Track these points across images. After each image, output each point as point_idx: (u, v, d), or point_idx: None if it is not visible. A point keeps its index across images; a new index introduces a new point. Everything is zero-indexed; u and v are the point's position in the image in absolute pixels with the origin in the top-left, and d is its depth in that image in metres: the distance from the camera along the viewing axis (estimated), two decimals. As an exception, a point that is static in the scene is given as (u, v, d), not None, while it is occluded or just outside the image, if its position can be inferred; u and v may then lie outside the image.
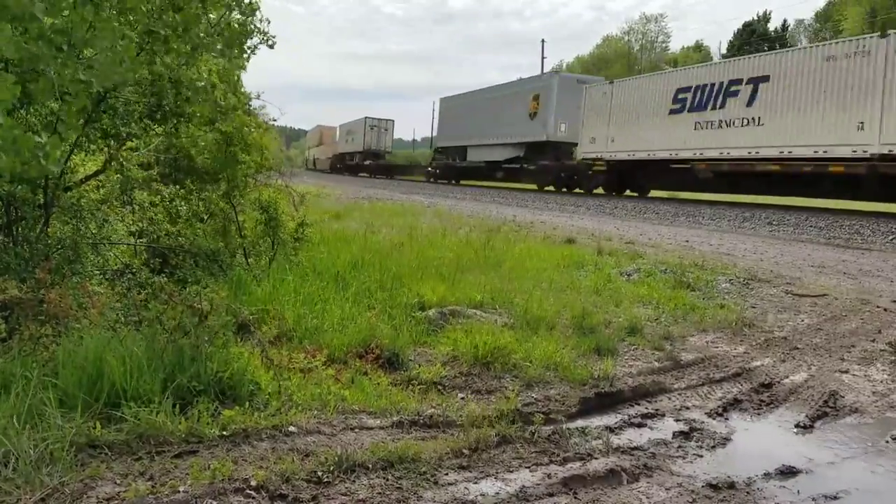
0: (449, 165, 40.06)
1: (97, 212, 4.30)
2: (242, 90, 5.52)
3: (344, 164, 59.66)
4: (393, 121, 54.95)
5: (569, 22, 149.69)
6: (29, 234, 3.71)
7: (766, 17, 65.16)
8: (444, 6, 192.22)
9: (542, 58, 54.69)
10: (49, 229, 3.80)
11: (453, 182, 39.89)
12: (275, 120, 7.88)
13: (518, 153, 31.37)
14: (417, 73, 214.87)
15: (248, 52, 4.49)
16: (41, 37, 2.56)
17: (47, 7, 2.49)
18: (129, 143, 4.26)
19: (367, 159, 52.84)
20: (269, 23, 4.46)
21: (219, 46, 3.93)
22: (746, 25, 65.28)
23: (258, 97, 5.83)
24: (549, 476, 2.44)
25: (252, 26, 4.24)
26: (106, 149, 4.27)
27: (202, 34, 3.68)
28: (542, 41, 75.45)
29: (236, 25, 4.13)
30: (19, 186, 3.58)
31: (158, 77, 3.81)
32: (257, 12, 4.23)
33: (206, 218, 5.16)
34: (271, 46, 4.54)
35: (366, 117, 52.54)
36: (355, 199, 18.63)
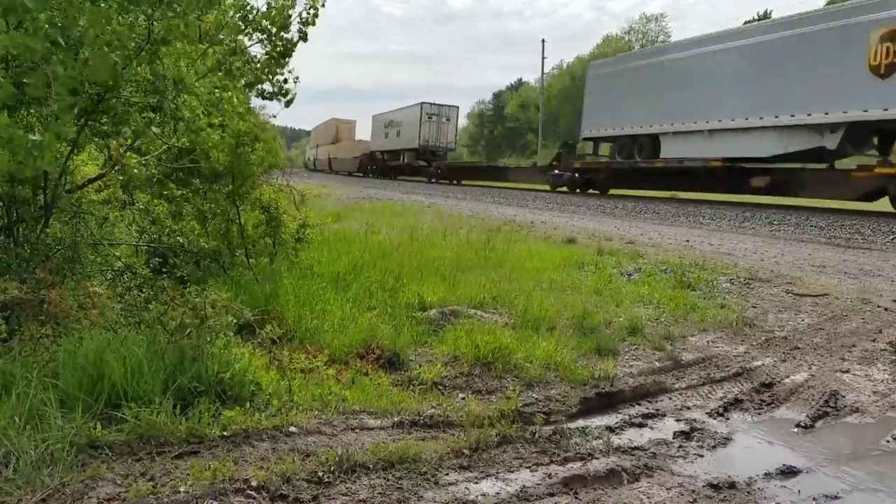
0: (612, 166, 24.54)
1: (98, 212, 4.30)
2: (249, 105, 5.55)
3: (382, 166, 46.38)
4: (457, 107, 41.50)
5: (569, 22, 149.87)
6: (29, 234, 3.71)
7: (766, 17, 65.19)
8: (444, 6, 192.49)
9: (543, 57, 54.55)
10: (49, 230, 3.80)
11: (595, 192, 25.65)
12: (274, 116, 7.86)
13: (818, 142, 16.68)
14: (417, 73, 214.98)
15: (267, 97, 4.53)
16: (36, 31, 2.56)
17: None
18: (128, 140, 4.26)
19: (422, 159, 39.91)
20: (297, 81, 4.50)
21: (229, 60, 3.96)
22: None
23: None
24: (549, 476, 2.44)
25: (270, 73, 4.28)
26: (106, 150, 4.27)
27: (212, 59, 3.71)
28: (543, 41, 75.05)
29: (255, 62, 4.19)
30: (20, 187, 3.59)
31: (163, 78, 3.81)
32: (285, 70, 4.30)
33: (209, 217, 5.16)
34: (288, 104, 4.57)
35: (422, 103, 39.49)
36: (356, 199, 18.63)
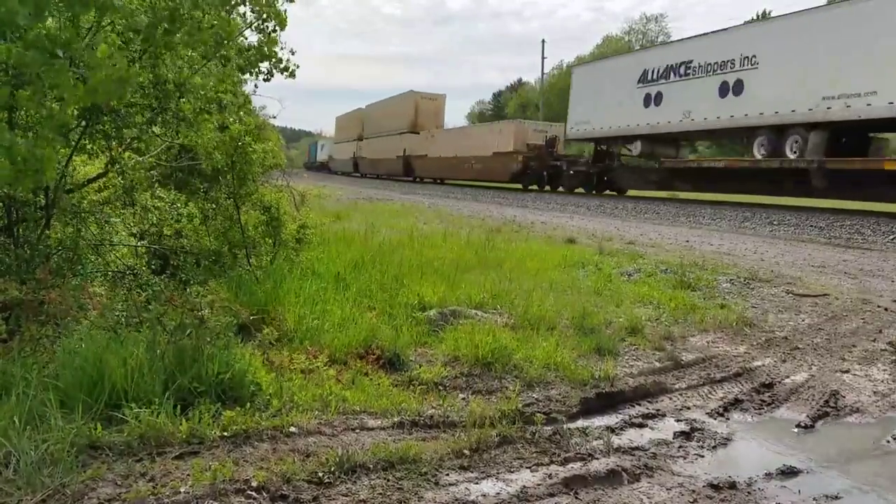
0: None
1: (98, 213, 4.30)
2: (249, 100, 5.49)
3: (600, 172, 25.51)
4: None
5: (568, 22, 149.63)
6: (30, 235, 3.71)
7: (765, 18, 65.19)
8: (443, 7, 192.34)
9: (543, 58, 54.28)
10: (50, 231, 3.80)
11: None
12: (274, 117, 7.83)
13: None
14: (417, 73, 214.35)
15: (265, 74, 4.49)
16: (33, 43, 2.55)
17: (30, 13, 2.47)
18: (130, 136, 4.25)
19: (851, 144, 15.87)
20: (293, 53, 4.46)
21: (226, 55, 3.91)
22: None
23: (255, 92, 5.79)
24: (549, 476, 2.44)
25: (267, 49, 4.23)
26: (108, 151, 4.26)
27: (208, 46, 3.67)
28: (543, 41, 74.98)
29: (252, 49, 4.14)
30: (20, 188, 3.58)
31: (164, 81, 3.79)
32: (280, 42, 4.24)
33: (209, 217, 5.16)
34: (292, 75, 4.50)
35: None
36: (356, 199, 18.63)
